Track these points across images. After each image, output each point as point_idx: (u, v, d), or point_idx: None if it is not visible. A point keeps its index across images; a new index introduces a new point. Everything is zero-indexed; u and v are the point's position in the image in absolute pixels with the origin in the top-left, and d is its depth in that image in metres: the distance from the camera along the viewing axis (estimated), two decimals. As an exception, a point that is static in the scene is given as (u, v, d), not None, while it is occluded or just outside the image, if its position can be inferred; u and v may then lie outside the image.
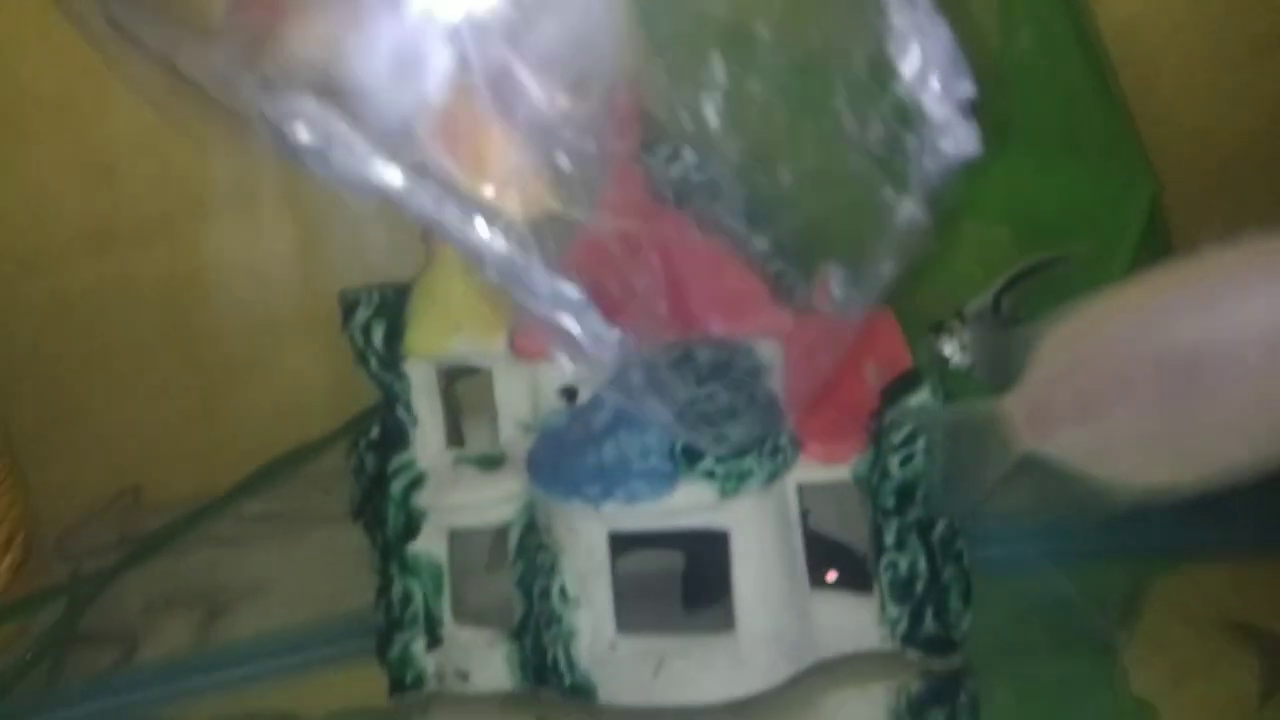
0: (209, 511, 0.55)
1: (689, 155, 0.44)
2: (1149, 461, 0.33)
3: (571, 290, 0.34)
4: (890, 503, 0.42)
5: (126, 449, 0.62)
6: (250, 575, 0.57)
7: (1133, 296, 0.34)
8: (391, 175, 0.32)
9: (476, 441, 0.48)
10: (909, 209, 0.37)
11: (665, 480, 0.40)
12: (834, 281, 0.38)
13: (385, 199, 0.32)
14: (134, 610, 0.55)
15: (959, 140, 0.36)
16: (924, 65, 0.34)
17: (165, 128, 0.54)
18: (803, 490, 0.43)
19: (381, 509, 0.44)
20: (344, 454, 0.47)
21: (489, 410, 0.47)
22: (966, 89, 0.35)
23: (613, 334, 0.35)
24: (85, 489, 0.61)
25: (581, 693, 0.42)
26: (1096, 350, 0.33)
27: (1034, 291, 0.49)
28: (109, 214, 0.61)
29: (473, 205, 0.33)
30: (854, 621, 0.43)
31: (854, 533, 0.47)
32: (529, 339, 0.42)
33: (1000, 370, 0.35)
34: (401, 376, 0.44)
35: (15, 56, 0.58)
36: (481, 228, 0.33)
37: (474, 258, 0.34)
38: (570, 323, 0.34)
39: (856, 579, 0.44)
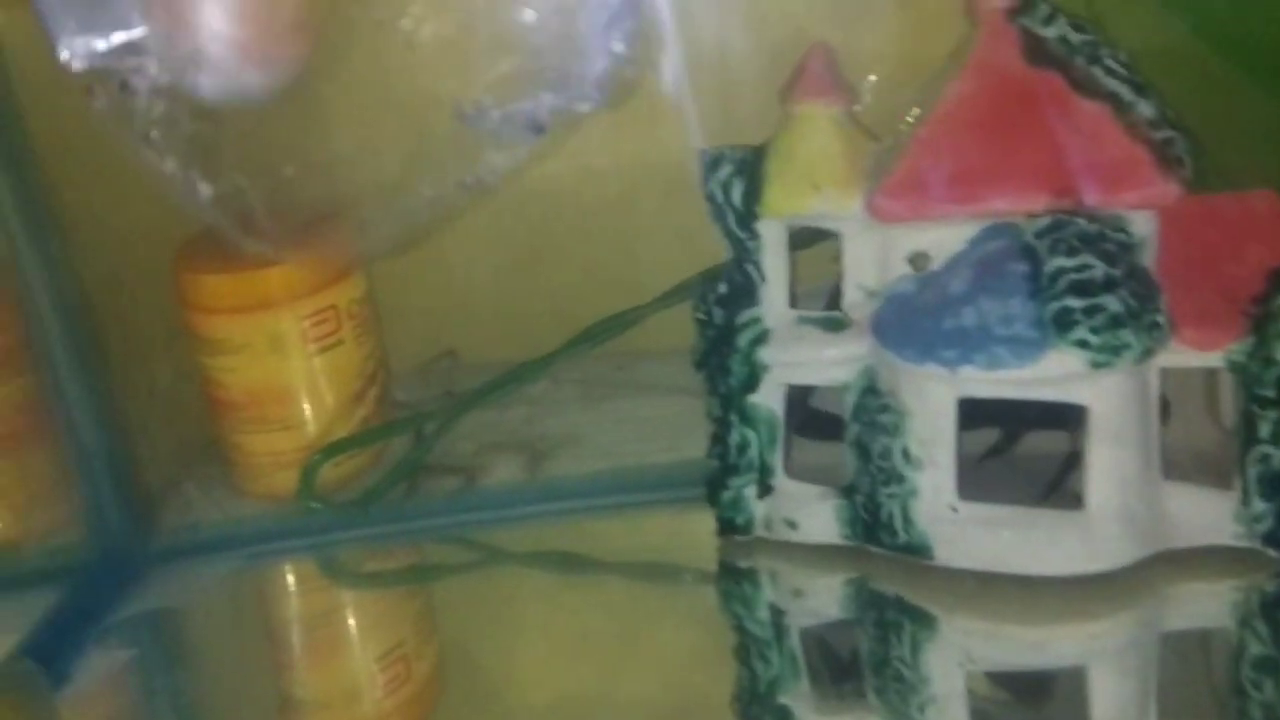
0: (538, 366, 0.60)
1: (1067, 15, 0.42)
2: None
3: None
4: (1271, 392, 0.40)
5: (446, 316, 0.68)
6: (565, 429, 0.62)
7: None
8: None
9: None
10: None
11: (1032, 348, 0.39)
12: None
13: None
14: (468, 452, 0.60)
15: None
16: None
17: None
18: (1165, 374, 0.42)
19: (726, 360, 0.46)
20: (690, 307, 0.48)
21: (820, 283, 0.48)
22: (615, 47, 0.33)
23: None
24: (409, 350, 0.67)
25: (916, 551, 0.43)
26: None
27: None
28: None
29: None
30: (1209, 515, 0.42)
31: (1194, 434, 0.45)
32: (885, 201, 0.42)
33: None
34: (755, 235, 0.45)
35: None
36: None
37: None
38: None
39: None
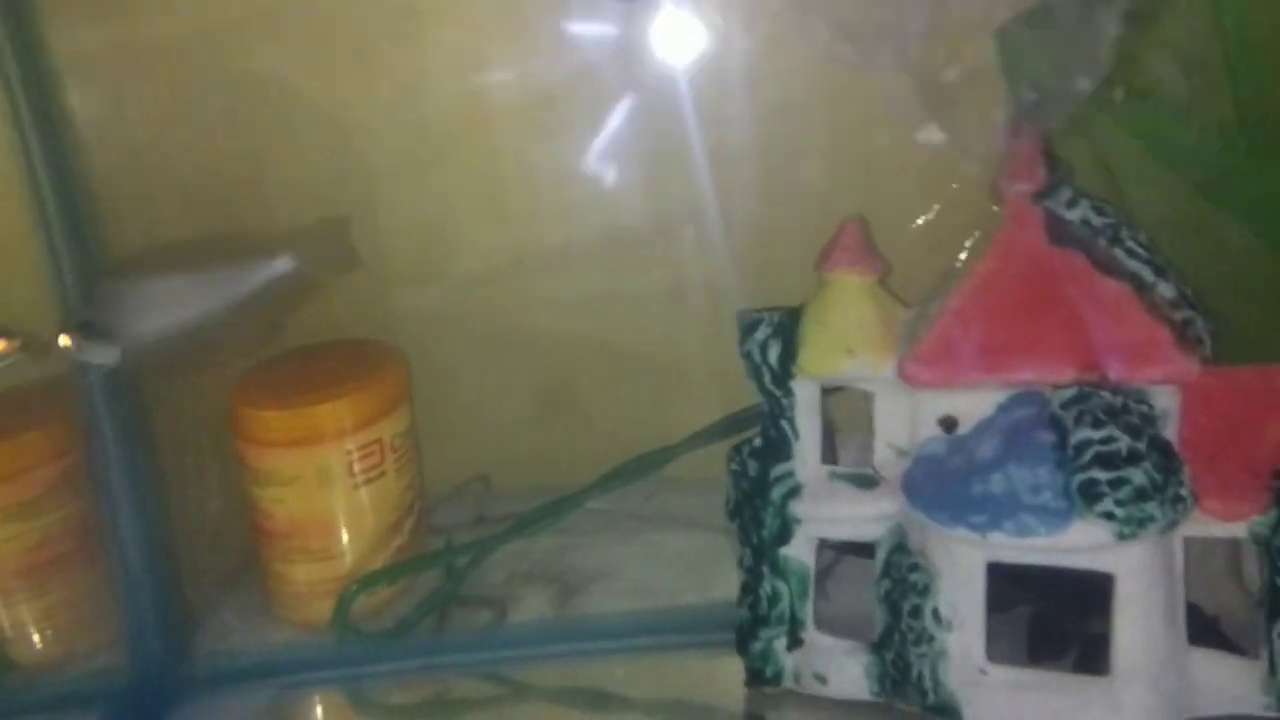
0: (570, 502, 0.61)
1: (1090, 199, 0.45)
2: None
3: None
4: (1294, 567, 0.41)
5: (479, 444, 0.69)
6: (595, 563, 0.62)
7: None
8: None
9: (843, 458, 0.51)
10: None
11: (1059, 517, 0.40)
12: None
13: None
14: (498, 581, 0.61)
15: None
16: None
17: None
18: (1189, 543, 0.43)
19: (760, 512, 0.47)
20: (724, 460, 0.50)
21: (856, 430, 0.50)
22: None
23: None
24: (442, 475, 0.69)
25: (945, 712, 0.43)
26: None
27: None
28: (492, 246, 0.68)
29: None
30: (1234, 684, 0.42)
31: (1217, 595, 0.46)
32: (917, 367, 0.44)
33: None
34: (789, 393, 0.47)
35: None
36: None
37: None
38: None
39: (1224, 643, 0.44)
